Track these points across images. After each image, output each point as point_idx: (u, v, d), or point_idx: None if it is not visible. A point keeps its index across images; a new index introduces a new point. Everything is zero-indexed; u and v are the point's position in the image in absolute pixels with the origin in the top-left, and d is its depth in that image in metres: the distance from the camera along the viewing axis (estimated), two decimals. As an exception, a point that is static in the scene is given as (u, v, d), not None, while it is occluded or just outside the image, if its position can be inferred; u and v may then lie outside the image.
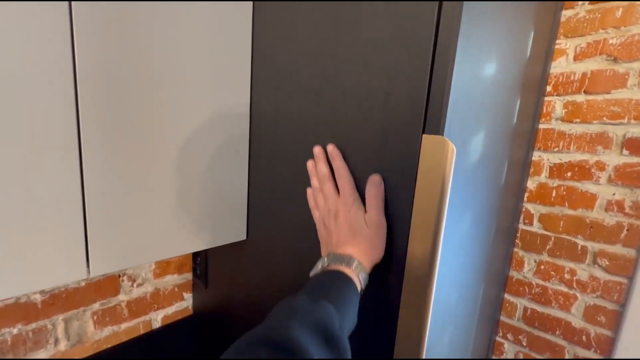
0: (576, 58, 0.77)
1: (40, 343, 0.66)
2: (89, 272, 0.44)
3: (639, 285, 0.72)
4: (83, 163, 0.42)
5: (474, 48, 0.39)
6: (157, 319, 0.83)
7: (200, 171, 0.54)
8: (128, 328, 0.78)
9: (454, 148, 0.34)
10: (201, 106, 0.52)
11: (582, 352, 0.81)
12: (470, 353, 0.75)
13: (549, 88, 0.82)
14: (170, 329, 0.85)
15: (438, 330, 0.49)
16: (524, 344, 0.91)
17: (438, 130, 0.35)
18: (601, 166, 0.76)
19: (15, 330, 0.62)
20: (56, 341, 0.68)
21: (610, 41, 0.73)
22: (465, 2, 0.33)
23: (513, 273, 0.91)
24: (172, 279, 0.84)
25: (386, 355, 0.43)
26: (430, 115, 0.36)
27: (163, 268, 0.82)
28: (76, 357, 0.71)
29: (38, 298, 0.64)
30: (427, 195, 0.36)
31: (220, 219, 0.59)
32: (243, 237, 0.63)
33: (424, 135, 0.36)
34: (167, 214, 0.51)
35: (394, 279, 0.41)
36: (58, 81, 0.38)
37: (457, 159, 0.41)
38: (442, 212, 0.36)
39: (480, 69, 0.43)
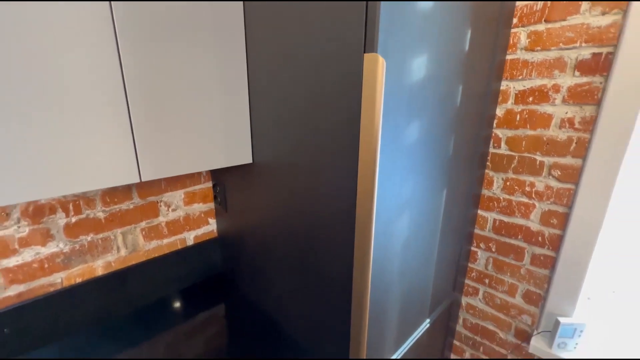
0: (539, -11, 0.84)
1: (107, 249, 0.88)
2: (140, 177, 0.63)
3: (583, 188, 0.85)
4: (129, 100, 0.58)
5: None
6: (190, 237, 1.05)
7: (209, 101, 0.70)
8: (169, 243, 1.00)
9: (384, 61, 0.48)
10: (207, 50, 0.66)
11: (538, 251, 0.97)
12: (436, 245, 0.92)
13: (515, 20, 0.90)
14: (200, 246, 1.07)
15: (393, 214, 0.65)
16: (493, 250, 1.08)
17: (374, 49, 0.49)
18: (557, 88, 0.86)
19: (89, 238, 0.84)
20: (118, 249, 0.90)
21: (568, -31, 0.79)
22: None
23: (485, 191, 1.06)
24: (198, 207, 1.04)
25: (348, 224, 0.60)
26: (368, 38, 0.49)
27: (190, 197, 1.02)
28: (133, 262, 0.94)
29: (101, 215, 0.85)
30: (369, 95, 0.50)
31: (230, 144, 0.75)
32: (249, 160, 0.80)
33: (365, 55, 0.49)
34: (190, 136, 0.68)
35: (349, 172, 0.57)
36: (98, 22, 0.53)
37: (396, 72, 0.54)
38: (379, 113, 0.50)
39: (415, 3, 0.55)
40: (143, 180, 0.63)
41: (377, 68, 0.48)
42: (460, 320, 1.23)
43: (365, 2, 0.48)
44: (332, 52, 0.54)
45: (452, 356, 1.29)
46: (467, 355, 1.24)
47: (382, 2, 0.47)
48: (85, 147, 0.55)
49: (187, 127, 0.67)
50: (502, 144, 0.99)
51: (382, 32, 0.48)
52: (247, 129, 0.77)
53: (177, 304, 0.97)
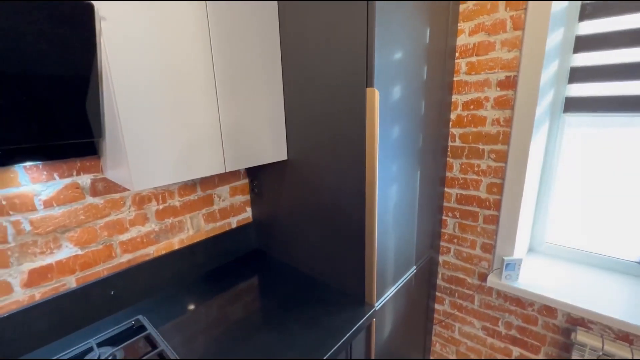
0: (470, 34, 1.27)
1: (181, 229, 1.20)
2: (225, 168, 0.97)
3: (510, 165, 1.26)
4: (220, 111, 0.92)
5: (388, 38, 0.90)
6: (234, 221, 1.38)
7: (262, 111, 1.05)
8: (220, 225, 1.32)
9: (379, 92, 0.86)
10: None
11: (487, 212, 1.37)
12: (416, 209, 1.30)
13: (457, 54, 1.32)
14: (241, 229, 1.40)
15: (387, 183, 1.02)
16: (458, 216, 1.47)
17: (372, 84, 0.86)
18: (487, 99, 1.28)
19: (170, 221, 1.16)
20: (188, 229, 1.22)
21: (486, 23, 1.22)
22: (377, 3, 0.83)
23: (448, 174, 1.46)
24: (239, 198, 1.38)
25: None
26: (368, 78, 0.87)
27: (234, 190, 1.35)
28: (197, 239, 1.25)
29: (177, 204, 1.17)
30: (370, 113, 0.88)
31: (274, 143, 1.10)
32: (284, 157, 1.16)
33: (367, 89, 0.87)
34: (252, 138, 1.03)
35: (359, 157, 0.93)
36: (198, 38, 0.88)
37: (384, 97, 0.92)
38: (377, 124, 0.88)
39: (392, 52, 0.93)
40: (227, 170, 0.97)
41: (374, 97, 0.86)
42: (439, 275, 1.61)
43: (366, 57, 0.86)
44: (346, 85, 0.92)
45: (436, 305, 1.66)
46: (446, 302, 1.62)
47: (375, 57, 0.85)
48: (194, 147, 0.89)
49: (251, 131, 1.02)
50: (457, 139, 1.39)
51: (375, 74, 0.87)
52: (283, 133, 1.13)
53: (229, 271, 1.29)
